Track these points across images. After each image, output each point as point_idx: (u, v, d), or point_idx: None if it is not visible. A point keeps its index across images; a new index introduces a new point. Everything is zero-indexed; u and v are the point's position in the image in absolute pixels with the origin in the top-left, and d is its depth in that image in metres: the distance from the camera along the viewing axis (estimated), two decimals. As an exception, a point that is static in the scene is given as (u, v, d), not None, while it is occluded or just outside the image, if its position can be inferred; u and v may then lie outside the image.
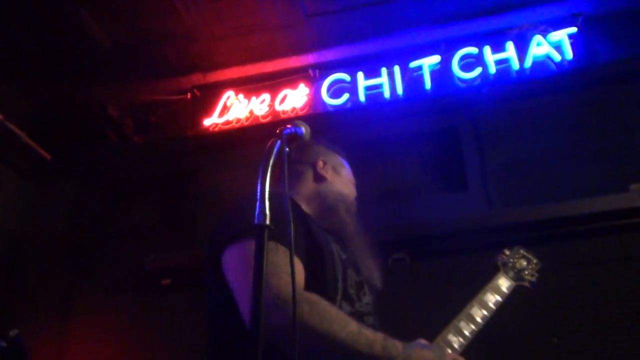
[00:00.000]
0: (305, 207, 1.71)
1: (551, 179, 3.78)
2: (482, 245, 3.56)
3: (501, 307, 1.79)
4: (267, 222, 1.01)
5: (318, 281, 1.42)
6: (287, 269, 1.23)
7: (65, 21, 4.27)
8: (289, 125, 1.31)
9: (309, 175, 1.80)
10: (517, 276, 1.91)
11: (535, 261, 2.01)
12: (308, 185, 1.78)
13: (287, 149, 1.22)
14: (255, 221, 1.02)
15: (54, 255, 4.39)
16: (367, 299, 1.58)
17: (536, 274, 1.98)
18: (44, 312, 4.10)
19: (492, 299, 1.79)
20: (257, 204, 1.05)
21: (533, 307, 3.29)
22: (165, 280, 3.95)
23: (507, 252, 2.01)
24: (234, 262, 1.38)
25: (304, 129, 1.34)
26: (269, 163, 1.13)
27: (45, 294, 4.20)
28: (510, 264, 1.95)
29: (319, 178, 1.79)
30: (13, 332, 2.20)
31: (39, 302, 4.15)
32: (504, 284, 1.86)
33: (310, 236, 1.48)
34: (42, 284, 4.25)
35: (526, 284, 1.93)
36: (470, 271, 3.55)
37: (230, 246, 1.39)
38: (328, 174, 1.81)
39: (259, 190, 1.06)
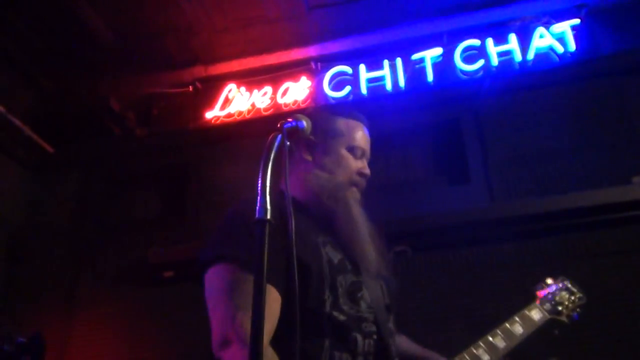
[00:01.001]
0: (301, 199, 1.57)
1: (553, 171, 3.78)
2: (484, 238, 3.58)
3: (526, 339, 1.64)
4: (268, 216, 1.01)
5: (301, 298, 1.29)
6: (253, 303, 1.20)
7: (67, 14, 4.27)
8: (289, 119, 1.31)
9: (296, 161, 1.61)
10: (554, 309, 1.74)
11: (579, 295, 1.83)
12: (297, 174, 1.59)
13: (288, 143, 1.21)
14: (257, 215, 1.02)
15: (57, 248, 4.41)
16: (367, 301, 1.44)
17: (578, 310, 1.80)
18: (48, 303, 4.13)
19: (519, 331, 1.63)
20: (258, 198, 1.04)
21: (534, 297, 3.30)
22: (168, 273, 3.97)
23: (549, 282, 1.83)
24: (207, 287, 1.36)
25: (305, 123, 1.33)
26: (269, 158, 1.11)
27: (50, 286, 4.23)
28: (549, 295, 1.77)
29: (303, 163, 1.61)
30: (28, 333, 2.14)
31: (44, 293, 4.19)
32: (536, 316, 1.69)
33: (291, 250, 1.28)
34: (47, 276, 4.28)
35: (563, 318, 1.75)
36: (472, 264, 3.57)
37: (208, 269, 1.36)
38: (313, 156, 1.61)
39: (259, 185, 1.06)
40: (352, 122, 1.69)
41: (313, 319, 1.33)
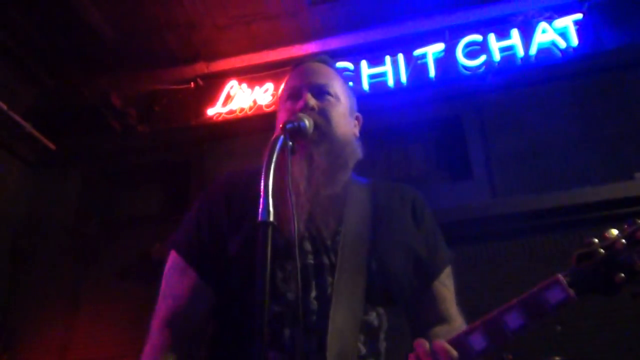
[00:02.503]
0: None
1: (555, 167, 3.77)
2: (486, 234, 3.58)
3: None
4: (271, 218, 1.01)
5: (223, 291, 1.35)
6: (172, 291, 1.38)
7: (69, 11, 4.26)
8: (292, 119, 1.31)
9: None
10: (605, 276, 1.09)
11: None
12: None
13: (290, 143, 1.21)
14: (260, 218, 1.01)
15: (60, 244, 4.42)
16: (323, 288, 1.25)
17: None
18: (52, 299, 4.14)
19: (511, 323, 1.10)
20: (261, 200, 1.03)
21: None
22: (171, 269, 3.98)
23: (613, 233, 1.11)
24: None
25: (307, 123, 1.33)
26: (272, 159, 1.11)
27: (53, 282, 4.23)
28: (597, 258, 1.09)
29: None
30: None
31: (47, 290, 4.19)
32: (551, 297, 1.09)
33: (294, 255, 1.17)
34: (50, 273, 4.29)
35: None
36: (474, 260, 3.57)
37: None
38: None
39: (262, 186, 1.05)
40: (290, 74, 1.59)
41: (241, 311, 1.28)
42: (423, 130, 4.24)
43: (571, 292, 1.08)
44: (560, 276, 1.12)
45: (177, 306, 1.35)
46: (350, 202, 1.42)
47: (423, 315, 1.43)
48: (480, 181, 3.88)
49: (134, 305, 3.99)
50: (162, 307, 1.37)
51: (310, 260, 1.29)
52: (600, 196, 3.43)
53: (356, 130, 1.61)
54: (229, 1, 4.32)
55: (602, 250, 1.11)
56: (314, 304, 1.23)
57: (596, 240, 1.13)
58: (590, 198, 3.44)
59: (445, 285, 1.48)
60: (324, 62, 1.61)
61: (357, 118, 1.65)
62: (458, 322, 1.42)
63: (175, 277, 1.40)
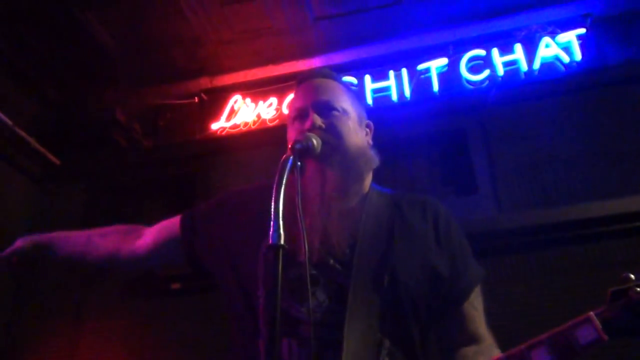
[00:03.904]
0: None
1: (560, 181, 3.77)
2: (492, 249, 3.56)
3: None
4: (282, 241, 1.00)
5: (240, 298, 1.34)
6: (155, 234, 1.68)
7: (74, 27, 4.29)
8: (300, 139, 1.31)
9: None
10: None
11: None
12: None
13: (299, 163, 1.21)
14: (271, 241, 1.01)
15: (64, 260, 4.41)
16: (323, 296, 1.25)
17: None
18: (55, 314, 4.13)
19: None
20: (272, 223, 1.02)
21: (542, 309, 3.28)
22: (175, 284, 3.97)
23: None
24: None
25: (314, 142, 1.33)
26: (282, 181, 1.10)
27: (57, 298, 4.22)
28: (636, 295, 1.01)
29: None
30: None
31: (51, 305, 4.18)
32: (582, 335, 1.04)
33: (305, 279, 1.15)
34: (54, 288, 4.28)
35: None
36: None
37: None
38: None
39: (273, 209, 1.04)
40: (295, 92, 1.57)
41: (248, 319, 1.29)
42: (427, 145, 4.24)
43: (604, 334, 1.02)
44: (592, 314, 1.06)
45: (143, 232, 1.71)
46: (367, 214, 1.39)
47: (451, 335, 1.38)
48: (485, 195, 3.88)
49: (137, 321, 3.98)
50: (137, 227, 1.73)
51: (311, 271, 1.26)
52: (605, 211, 3.42)
53: (369, 139, 1.62)
54: (234, 17, 4.35)
55: (638, 290, 1.04)
56: (306, 315, 1.22)
57: (632, 276, 1.07)
58: (595, 213, 3.43)
59: (474, 306, 1.40)
60: (327, 76, 1.57)
61: (367, 126, 1.65)
62: (487, 342, 1.36)
63: (165, 224, 1.73)
